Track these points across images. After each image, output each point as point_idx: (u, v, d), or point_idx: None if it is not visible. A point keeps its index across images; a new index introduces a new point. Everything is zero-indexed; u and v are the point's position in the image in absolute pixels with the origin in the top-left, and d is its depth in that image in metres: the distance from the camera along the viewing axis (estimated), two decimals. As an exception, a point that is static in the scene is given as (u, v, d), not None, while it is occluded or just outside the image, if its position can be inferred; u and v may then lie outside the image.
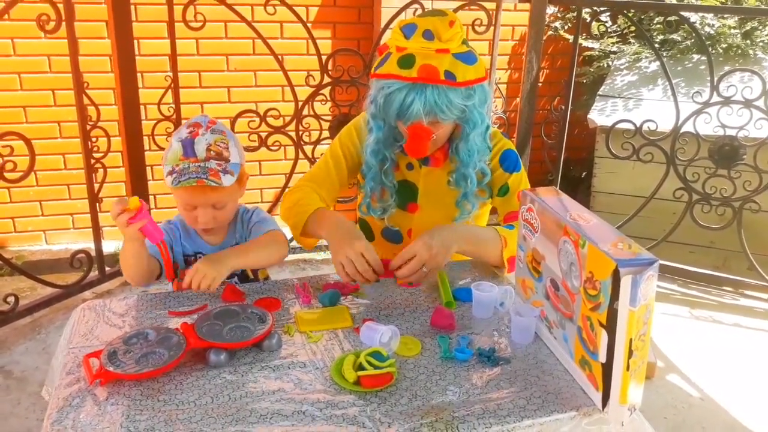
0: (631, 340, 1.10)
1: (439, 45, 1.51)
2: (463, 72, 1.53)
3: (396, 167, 1.80)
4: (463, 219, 1.77)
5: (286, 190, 1.86)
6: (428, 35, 1.51)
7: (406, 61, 1.51)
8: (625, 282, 1.07)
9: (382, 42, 1.64)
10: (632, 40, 4.02)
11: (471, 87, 1.56)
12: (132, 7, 2.91)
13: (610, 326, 1.12)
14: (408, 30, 1.54)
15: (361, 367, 1.24)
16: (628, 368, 1.12)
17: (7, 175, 2.55)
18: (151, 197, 3.31)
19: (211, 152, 1.53)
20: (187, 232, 1.70)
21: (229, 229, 1.73)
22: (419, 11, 2.98)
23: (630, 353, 1.11)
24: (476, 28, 3.16)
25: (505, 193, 1.77)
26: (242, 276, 1.75)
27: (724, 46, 3.74)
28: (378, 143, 1.71)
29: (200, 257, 1.66)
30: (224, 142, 1.56)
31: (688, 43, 3.83)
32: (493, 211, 1.90)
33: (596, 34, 3.93)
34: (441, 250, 1.57)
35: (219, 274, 1.51)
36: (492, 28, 3.26)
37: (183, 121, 3.06)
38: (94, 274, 3.03)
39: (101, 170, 2.93)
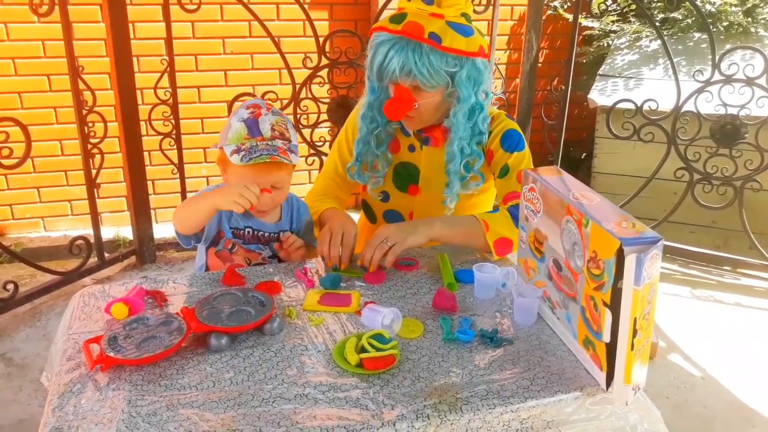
0: (635, 319, 1.09)
1: (435, 9, 1.51)
2: (452, 39, 1.51)
3: (397, 148, 1.78)
4: (449, 199, 1.73)
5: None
6: (429, 0, 1.52)
7: (398, 17, 1.52)
8: (630, 261, 1.06)
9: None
10: (633, 19, 3.99)
11: (458, 57, 1.53)
12: (126, -11, 2.88)
13: (614, 306, 1.11)
14: None
15: (363, 350, 1.23)
16: (632, 348, 1.11)
17: (3, 161, 2.53)
18: (149, 183, 3.28)
19: (276, 132, 1.54)
20: None
21: (282, 214, 1.72)
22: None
23: (634, 333, 1.10)
24: (475, 7, 3.12)
25: (505, 173, 1.72)
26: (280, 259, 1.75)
27: (725, 23, 3.71)
28: (370, 107, 1.70)
29: (249, 231, 1.67)
30: (284, 123, 1.58)
31: (689, 21, 3.79)
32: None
33: (596, 13, 3.89)
34: (405, 227, 1.59)
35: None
36: (491, 7, 3.22)
37: (179, 105, 3.05)
38: (93, 260, 3.02)
39: (98, 156, 2.91)
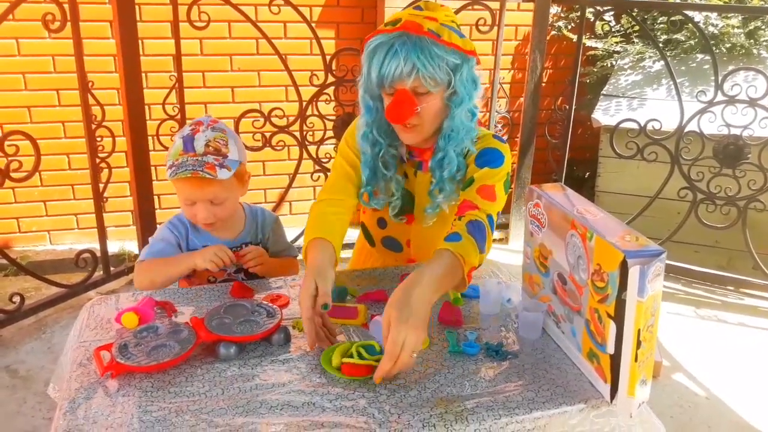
0: (639, 331, 1.10)
1: (428, 13, 1.52)
2: (449, 35, 1.50)
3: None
4: (432, 210, 1.66)
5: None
6: (419, 7, 1.54)
7: (393, 21, 1.52)
8: (633, 273, 1.07)
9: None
10: (636, 40, 4.03)
11: (457, 53, 1.51)
12: (137, 7, 2.92)
13: (618, 317, 1.12)
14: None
15: (350, 356, 1.26)
16: (636, 359, 1.12)
17: (12, 174, 2.56)
18: (156, 197, 3.31)
19: (210, 147, 1.56)
20: (195, 227, 1.71)
21: (245, 227, 1.75)
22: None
23: (638, 344, 1.11)
24: (480, 27, 3.17)
25: (469, 184, 1.61)
26: (246, 273, 1.77)
27: (728, 45, 3.76)
28: (368, 126, 1.64)
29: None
30: (223, 139, 1.60)
31: (692, 42, 3.84)
32: None
33: (600, 34, 3.94)
34: (414, 322, 1.27)
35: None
36: (495, 28, 3.27)
37: (188, 121, 3.08)
38: (98, 273, 3.03)
39: (106, 170, 2.94)
